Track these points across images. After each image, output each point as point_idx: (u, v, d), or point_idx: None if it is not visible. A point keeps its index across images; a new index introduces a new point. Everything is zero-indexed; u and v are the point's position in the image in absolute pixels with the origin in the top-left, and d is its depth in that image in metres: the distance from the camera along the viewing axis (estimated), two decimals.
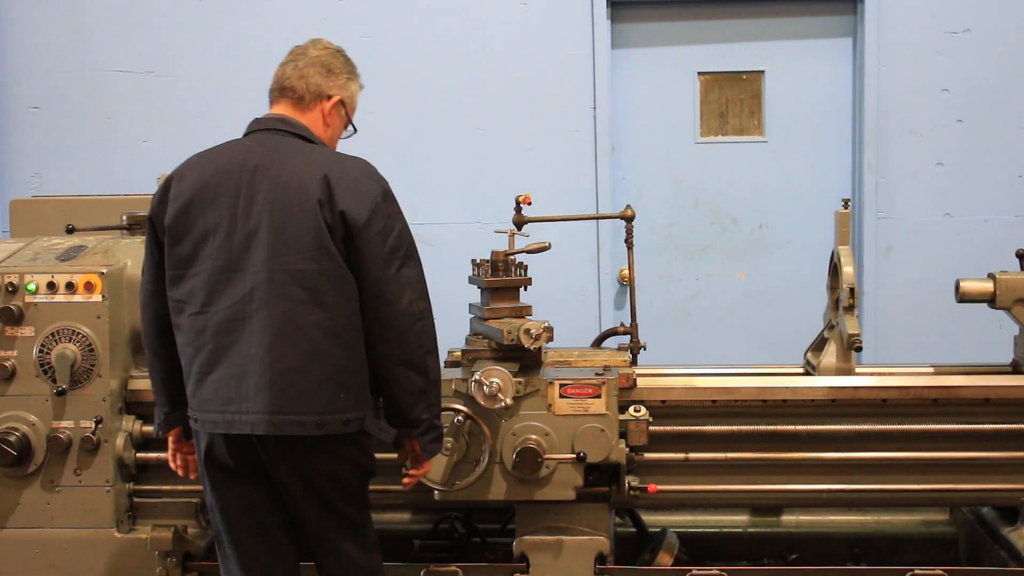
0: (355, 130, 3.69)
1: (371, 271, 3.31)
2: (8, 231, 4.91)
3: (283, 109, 3.52)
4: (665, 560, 4.26)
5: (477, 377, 3.81)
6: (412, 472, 3.56)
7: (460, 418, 3.86)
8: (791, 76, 5.90)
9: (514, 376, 3.87)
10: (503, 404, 3.82)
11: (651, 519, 4.57)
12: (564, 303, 5.64)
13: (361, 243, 3.29)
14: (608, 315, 5.88)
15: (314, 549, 3.50)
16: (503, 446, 3.91)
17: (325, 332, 3.28)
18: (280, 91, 3.53)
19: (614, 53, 5.87)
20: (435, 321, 3.42)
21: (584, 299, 5.89)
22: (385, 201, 3.35)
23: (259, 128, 3.48)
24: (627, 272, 4.53)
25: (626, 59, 5.92)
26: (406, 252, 3.36)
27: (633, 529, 4.52)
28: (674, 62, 5.92)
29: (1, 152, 5.96)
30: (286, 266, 3.27)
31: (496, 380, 3.81)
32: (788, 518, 4.67)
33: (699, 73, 5.93)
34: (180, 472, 3.67)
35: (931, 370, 4.27)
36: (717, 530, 4.66)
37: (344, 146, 3.67)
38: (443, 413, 3.60)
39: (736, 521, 4.68)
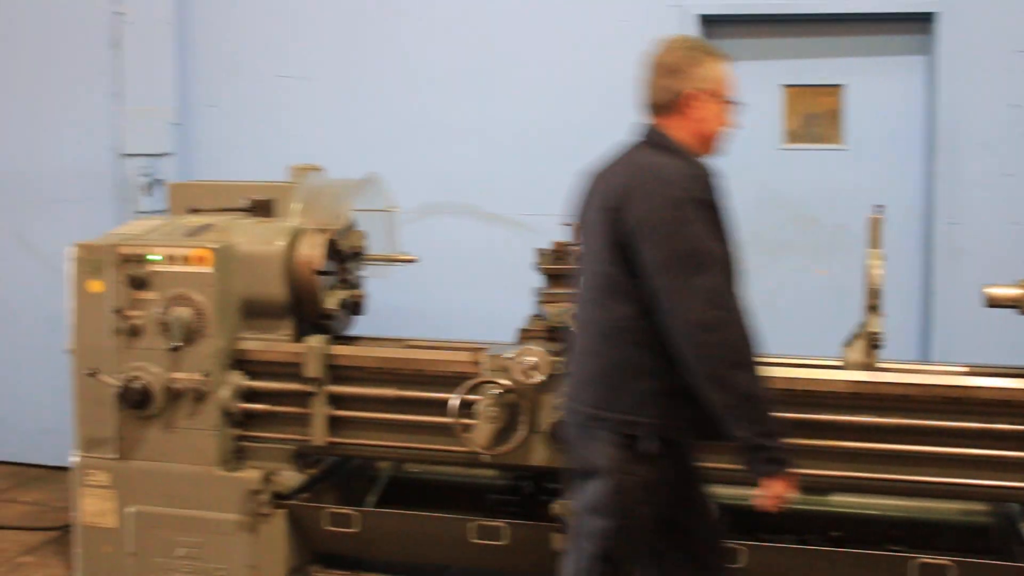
0: (736, 104, 3.15)
1: (654, 278, 2.83)
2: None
3: (654, 119, 3.11)
4: None
5: (514, 355, 3.61)
6: (756, 493, 2.85)
7: (501, 390, 3.67)
8: (869, 90, 5.40)
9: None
10: (537, 380, 3.60)
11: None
12: None
13: (645, 250, 2.84)
14: None
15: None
16: (542, 417, 3.70)
17: (600, 331, 2.96)
18: (647, 107, 3.13)
19: None
20: None
21: None
22: (676, 208, 2.82)
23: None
24: None
25: None
26: (698, 261, 2.78)
27: None
28: (760, 75, 5.47)
29: (185, 143, 6.03)
30: (590, 270, 3.03)
31: (532, 358, 3.60)
32: (836, 498, 4.26)
33: (784, 86, 5.50)
34: None
35: (957, 369, 3.83)
36: None
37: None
38: (488, 385, 3.41)
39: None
